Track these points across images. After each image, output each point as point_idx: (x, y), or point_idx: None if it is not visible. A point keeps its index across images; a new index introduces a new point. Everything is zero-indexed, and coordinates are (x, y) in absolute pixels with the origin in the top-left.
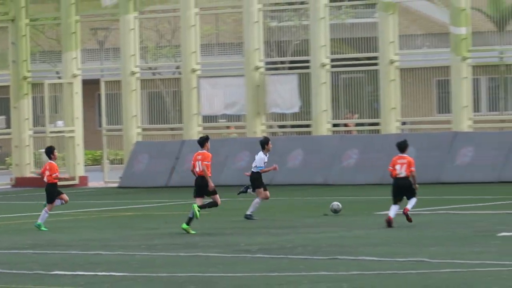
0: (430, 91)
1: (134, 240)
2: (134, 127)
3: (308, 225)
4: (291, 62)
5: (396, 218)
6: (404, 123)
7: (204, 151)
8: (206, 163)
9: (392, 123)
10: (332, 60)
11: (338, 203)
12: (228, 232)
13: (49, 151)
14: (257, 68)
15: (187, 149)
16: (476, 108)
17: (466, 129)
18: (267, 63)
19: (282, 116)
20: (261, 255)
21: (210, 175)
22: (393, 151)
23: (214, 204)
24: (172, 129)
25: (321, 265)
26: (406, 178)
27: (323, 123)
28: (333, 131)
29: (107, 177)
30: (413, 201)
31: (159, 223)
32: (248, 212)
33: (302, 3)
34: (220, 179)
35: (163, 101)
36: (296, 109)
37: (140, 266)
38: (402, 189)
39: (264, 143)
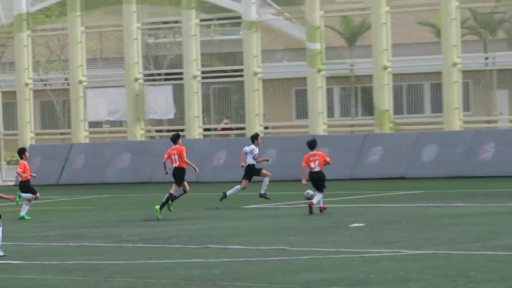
0: (290, 99)
1: (29, 232)
2: (28, 132)
3: (182, 218)
4: (167, 74)
5: (264, 212)
6: (266, 128)
7: (178, 146)
8: (184, 155)
9: (256, 128)
10: (203, 72)
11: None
12: (112, 224)
13: (21, 152)
14: (136, 79)
15: (75, 151)
16: (330, 114)
17: (321, 133)
18: (145, 75)
19: (159, 122)
20: (141, 245)
21: (184, 165)
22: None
23: (183, 192)
24: (62, 133)
25: (194, 253)
26: (320, 172)
27: (195, 128)
28: (204, 135)
29: (5, 176)
30: (319, 196)
31: (50, 217)
32: (262, 192)
33: (176, 22)
34: (104, 178)
35: (54, 109)
36: (171, 116)
37: (34, 255)
38: (317, 181)
39: (253, 138)
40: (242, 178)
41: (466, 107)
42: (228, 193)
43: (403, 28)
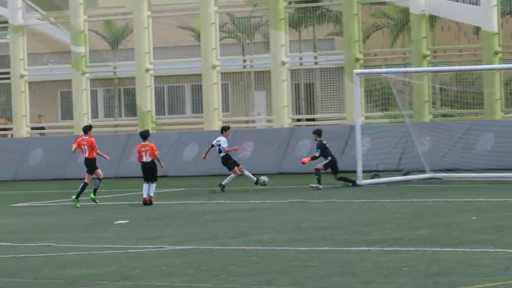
0: (55, 101)
1: None
2: None
3: None
4: None
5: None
6: (39, 128)
7: (147, 142)
8: (156, 152)
9: (23, 128)
10: None
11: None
12: None
13: None
14: None
15: None
16: (94, 115)
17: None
18: None
19: None
20: None
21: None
22: None
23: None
24: None
25: None
26: (152, 161)
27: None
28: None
29: None
30: (153, 186)
31: None
32: (223, 183)
33: None
34: None
35: None
36: None
37: None
38: (148, 170)
39: (223, 129)
40: (231, 168)
41: (226, 107)
42: (223, 183)
43: (164, 31)
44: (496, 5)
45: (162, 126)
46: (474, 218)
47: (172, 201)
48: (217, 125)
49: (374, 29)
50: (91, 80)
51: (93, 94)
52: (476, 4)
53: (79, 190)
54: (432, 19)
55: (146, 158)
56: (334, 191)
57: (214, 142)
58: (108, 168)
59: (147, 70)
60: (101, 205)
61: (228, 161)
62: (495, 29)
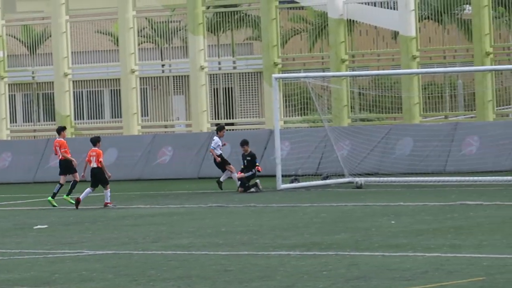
0: None
1: None
2: None
3: None
4: None
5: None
6: None
7: (96, 148)
8: (101, 159)
9: None
10: None
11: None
12: None
13: None
14: None
15: None
16: (13, 120)
17: (5, 138)
18: None
19: None
20: None
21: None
22: None
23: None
24: None
25: None
26: (98, 167)
27: None
28: None
29: None
30: (107, 193)
31: None
32: (222, 179)
33: None
34: None
35: None
36: None
37: None
38: (95, 176)
39: (218, 129)
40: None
41: (145, 112)
42: (222, 179)
43: (83, 36)
44: (413, 10)
45: (81, 130)
46: (393, 222)
47: (91, 205)
48: (136, 130)
49: (292, 33)
50: (9, 85)
51: (12, 99)
52: (394, 8)
53: (69, 188)
54: (350, 24)
55: (93, 164)
56: (253, 196)
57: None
58: (27, 173)
59: (66, 75)
60: (20, 210)
61: (218, 163)
62: (413, 34)
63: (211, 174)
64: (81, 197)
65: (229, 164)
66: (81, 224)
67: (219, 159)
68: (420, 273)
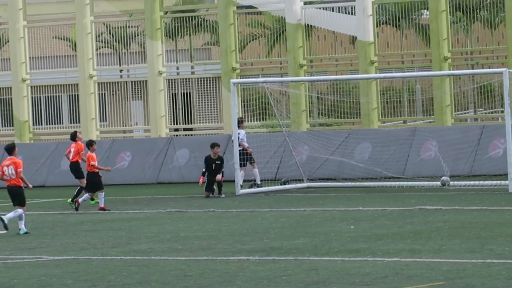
0: None
1: None
2: None
3: None
4: None
5: None
6: None
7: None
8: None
9: None
10: None
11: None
12: None
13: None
14: None
15: None
16: None
17: None
18: None
19: None
20: None
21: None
22: None
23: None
24: None
25: None
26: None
27: None
28: None
29: None
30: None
31: None
32: (258, 182)
33: None
34: None
35: None
36: None
37: None
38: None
39: (239, 121)
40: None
41: (103, 117)
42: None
43: (41, 41)
44: (371, 15)
45: (39, 136)
46: (352, 227)
47: (50, 211)
48: (95, 135)
49: (250, 38)
50: None
51: None
52: (352, 14)
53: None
54: (308, 29)
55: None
56: (212, 201)
57: (235, 137)
58: None
59: (24, 80)
60: None
61: (242, 157)
62: (371, 39)
63: (170, 179)
64: (80, 200)
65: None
66: (40, 229)
67: (251, 150)
68: (379, 278)
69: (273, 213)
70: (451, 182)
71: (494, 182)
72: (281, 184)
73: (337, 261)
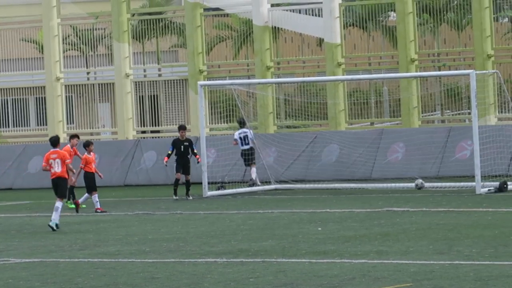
0: None
1: None
2: None
3: None
4: None
5: None
6: None
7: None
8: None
9: None
10: None
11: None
12: None
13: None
14: None
15: None
16: None
17: None
18: None
19: None
20: None
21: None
22: None
23: None
24: None
25: None
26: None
27: None
28: None
29: None
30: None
31: None
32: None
33: None
34: None
35: None
36: None
37: None
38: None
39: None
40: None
41: (70, 120)
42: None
43: (7, 44)
44: (338, 17)
45: (6, 138)
46: (320, 229)
47: (17, 213)
48: (62, 138)
49: (217, 40)
50: None
51: None
52: (319, 16)
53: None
54: (276, 31)
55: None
56: (179, 203)
57: (238, 136)
58: None
59: None
60: None
61: (252, 156)
62: (338, 41)
63: (137, 182)
64: (80, 200)
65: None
66: (7, 232)
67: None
68: (347, 280)
69: (240, 215)
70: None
71: (461, 184)
72: (248, 186)
73: (305, 263)
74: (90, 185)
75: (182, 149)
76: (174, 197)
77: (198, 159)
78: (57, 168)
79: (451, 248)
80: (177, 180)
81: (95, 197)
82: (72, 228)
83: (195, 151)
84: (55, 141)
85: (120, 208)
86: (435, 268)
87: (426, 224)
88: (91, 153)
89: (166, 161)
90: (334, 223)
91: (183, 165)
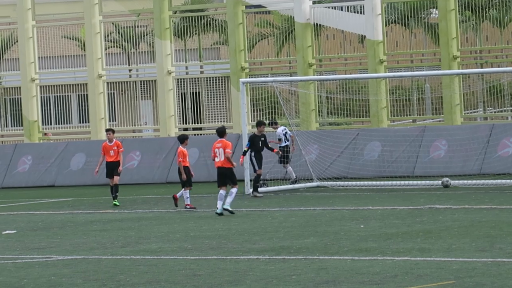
0: None
1: None
2: None
3: None
4: None
5: None
6: None
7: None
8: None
9: None
10: None
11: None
12: None
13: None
14: None
15: None
16: None
17: None
18: None
19: None
20: None
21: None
22: None
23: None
24: None
25: None
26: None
27: None
28: None
29: None
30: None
31: None
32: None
33: None
34: None
35: None
36: None
37: None
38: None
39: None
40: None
41: (112, 117)
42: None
43: (50, 41)
44: (380, 14)
45: (48, 136)
46: (362, 226)
47: (60, 210)
48: (104, 135)
49: (259, 38)
50: None
51: None
52: (361, 13)
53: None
54: (317, 28)
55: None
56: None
57: (281, 134)
58: None
59: (33, 80)
60: None
61: (288, 153)
62: (380, 38)
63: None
64: (177, 195)
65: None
66: (49, 229)
67: (276, 150)
68: (389, 277)
69: (282, 213)
70: (459, 181)
71: (503, 181)
72: (290, 184)
73: (347, 260)
74: (189, 179)
75: (259, 145)
76: (258, 195)
77: (278, 152)
78: (220, 157)
79: (493, 246)
80: (259, 176)
81: (187, 193)
82: (114, 225)
83: (270, 145)
84: (221, 132)
85: (162, 205)
86: (477, 266)
87: (468, 221)
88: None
89: (243, 160)
90: (376, 221)
91: (260, 160)
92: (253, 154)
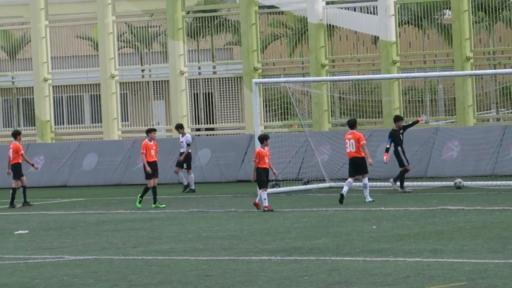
0: None
1: None
2: None
3: None
4: None
5: None
6: None
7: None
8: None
9: None
10: None
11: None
12: None
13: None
14: None
15: None
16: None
17: None
18: None
19: None
20: None
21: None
22: None
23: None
24: None
25: None
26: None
27: None
28: None
29: None
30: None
31: None
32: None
33: None
34: None
35: None
36: None
37: None
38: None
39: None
40: None
41: (125, 117)
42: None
43: (62, 41)
44: (393, 15)
45: (61, 135)
46: (374, 227)
47: (72, 211)
48: (116, 135)
49: (272, 38)
50: None
51: None
52: (374, 13)
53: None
54: (330, 29)
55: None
56: (233, 200)
57: (190, 140)
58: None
59: (46, 79)
60: (1, 215)
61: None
62: (393, 39)
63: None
64: (257, 200)
65: None
66: (62, 229)
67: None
68: (401, 278)
69: (295, 213)
70: (471, 182)
71: None
72: (302, 184)
73: (359, 261)
74: (262, 180)
75: (401, 138)
76: (401, 189)
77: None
78: (352, 148)
79: (505, 247)
80: (407, 171)
81: (264, 194)
82: (126, 226)
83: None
84: (352, 124)
85: (174, 205)
86: (489, 267)
87: (480, 222)
88: (265, 147)
89: (387, 157)
90: (388, 221)
91: (404, 154)
92: (399, 148)
